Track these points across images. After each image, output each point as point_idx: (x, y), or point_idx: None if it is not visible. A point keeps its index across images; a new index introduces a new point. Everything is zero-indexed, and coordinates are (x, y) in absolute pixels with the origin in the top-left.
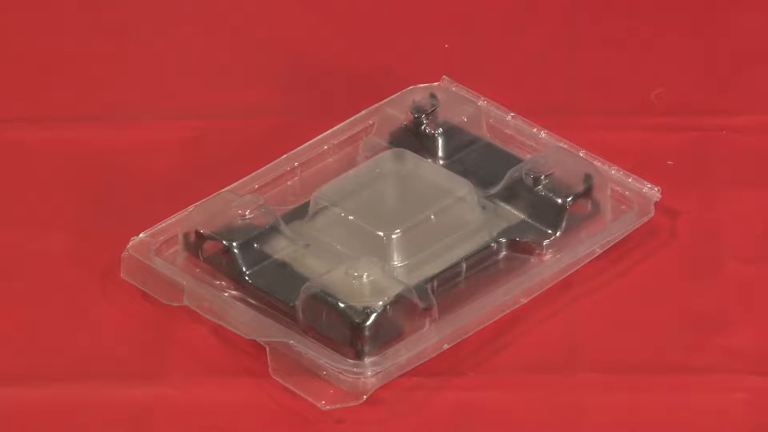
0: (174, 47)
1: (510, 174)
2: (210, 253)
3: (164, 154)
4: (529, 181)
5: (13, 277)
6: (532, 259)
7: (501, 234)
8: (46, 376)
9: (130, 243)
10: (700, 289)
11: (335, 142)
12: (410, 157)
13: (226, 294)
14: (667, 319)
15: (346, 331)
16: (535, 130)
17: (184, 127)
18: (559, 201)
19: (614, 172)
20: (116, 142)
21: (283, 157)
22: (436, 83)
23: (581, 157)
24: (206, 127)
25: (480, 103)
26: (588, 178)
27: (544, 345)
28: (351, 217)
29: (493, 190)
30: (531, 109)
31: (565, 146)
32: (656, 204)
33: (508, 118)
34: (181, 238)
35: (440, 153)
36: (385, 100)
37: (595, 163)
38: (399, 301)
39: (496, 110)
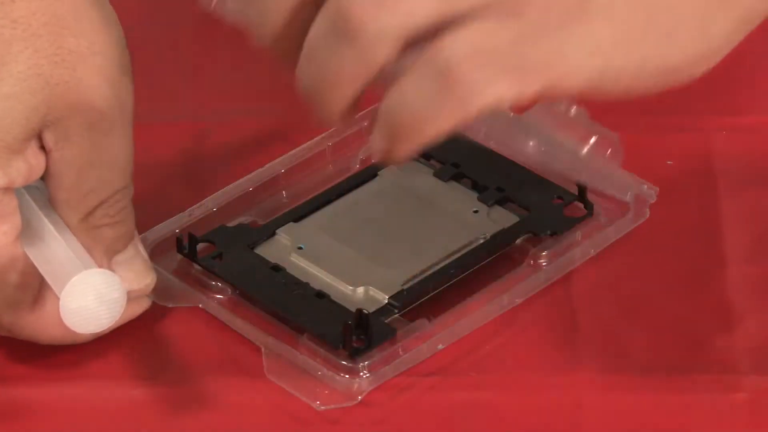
0: (174, 47)
1: (506, 176)
2: (204, 255)
3: (160, 157)
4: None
5: None
6: (529, 262)
7: (496, 236)
8: (46, 376)
9: None
10: (699, 289)
11: (332, 143)
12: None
13: (220, 297)
14: (667, 319)
15: (340, 332)
16: None
17: (179, 130)
18: (555, 203)
19: (612, 172)
20: None
21: (279, 158)
22: None
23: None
24: (202, 130)
25: None
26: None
27: (543, 345)
28: (346, 219)
29: (489, 193)
30: None
31: None
32: (655, 204)
33: None
34: (176, 241)
35: (435, 155)
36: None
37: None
38: (394, 302)
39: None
